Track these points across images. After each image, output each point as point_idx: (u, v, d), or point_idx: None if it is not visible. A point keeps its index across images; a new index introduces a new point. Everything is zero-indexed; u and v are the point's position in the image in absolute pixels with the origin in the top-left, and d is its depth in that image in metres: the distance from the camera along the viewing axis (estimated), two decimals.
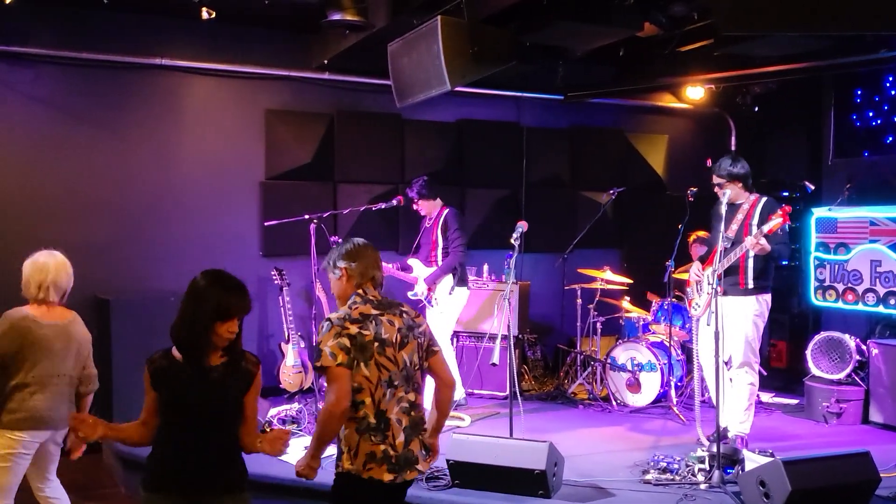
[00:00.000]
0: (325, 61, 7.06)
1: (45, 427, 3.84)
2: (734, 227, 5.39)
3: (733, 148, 8.97)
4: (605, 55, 6.78)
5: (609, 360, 6.92)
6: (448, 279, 6.29)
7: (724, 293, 5.20)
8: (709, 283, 5.40)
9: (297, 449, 4.28)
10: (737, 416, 5.42)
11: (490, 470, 4.55)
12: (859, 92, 7.89)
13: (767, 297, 5.42)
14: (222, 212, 7.06)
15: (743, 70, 7.18)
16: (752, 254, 5.24)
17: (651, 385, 6.72)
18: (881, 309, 6.76)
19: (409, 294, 6.39)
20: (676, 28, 5.86)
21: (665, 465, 5.03)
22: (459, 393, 6.51)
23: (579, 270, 7.36)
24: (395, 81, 5.89)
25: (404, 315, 3.26)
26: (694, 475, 4.83)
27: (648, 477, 4.89)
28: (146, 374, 2.91)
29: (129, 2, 6.35)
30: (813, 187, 7.91)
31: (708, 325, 4.94)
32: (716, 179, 5.43)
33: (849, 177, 7.69)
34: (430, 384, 3.49)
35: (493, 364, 5.45)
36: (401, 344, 3.18)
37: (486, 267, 7.41)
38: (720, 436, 5.45)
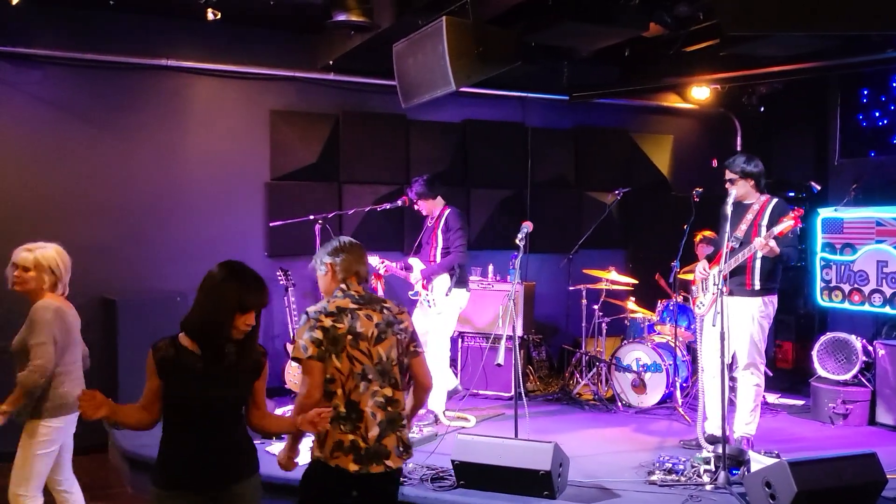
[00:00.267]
0: (331, 62, 7.07)
1: (75, 412, 3.96)
2: (743, 226, 5.36)
3: (739, 148, 8.95)
4: (610, 55, 6.78)
5: (614, 361, 6.92)
6: (445, 279, 6.20)
7: (731, 293, 5.18)
8: (714, 283, 5.39)
9: (303, 449, 4.29)
10: (743, 417, 5.41)
11: (495, 470, 4.55)
12: (865, 92, 7.87)
13: (774, 298, 5.40)
14: (228, 212, 7.08)
15: (748, 70, 7.16)
16: (759, 255, 5.22)
17: (656, 386, 6.72)
18: (888, 310, 6.73)
19: (410, 294, 6.35)
20: (682, 28, 5.85)
21: (670, 465, 5.03)
22: (452, 382, 6.50)
23: (584, 271, 7.36)
24: (400, 82, 5.89)
25: (385, 311, 3.32)
26: (699, 476, 4.82)
27: (654, 478, 4.89)
28: (150, 362, 2.85)
29: (134, 3, 6.37)
30: (819, 187, 7.89)
31: (714, 325, 4.93)
32: (728, 175, 5.39)
33: (855, 177, 7.67)
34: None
35: (499, 364, 5.44)
36: (377, 339, 3.24)
37: (491, 267, 7.40)
38: (715, 440, 5.46)
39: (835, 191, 7.98)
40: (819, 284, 7.30)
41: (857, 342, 6.44)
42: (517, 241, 5.43)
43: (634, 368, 6.79)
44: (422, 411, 6.21)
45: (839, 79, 8.01)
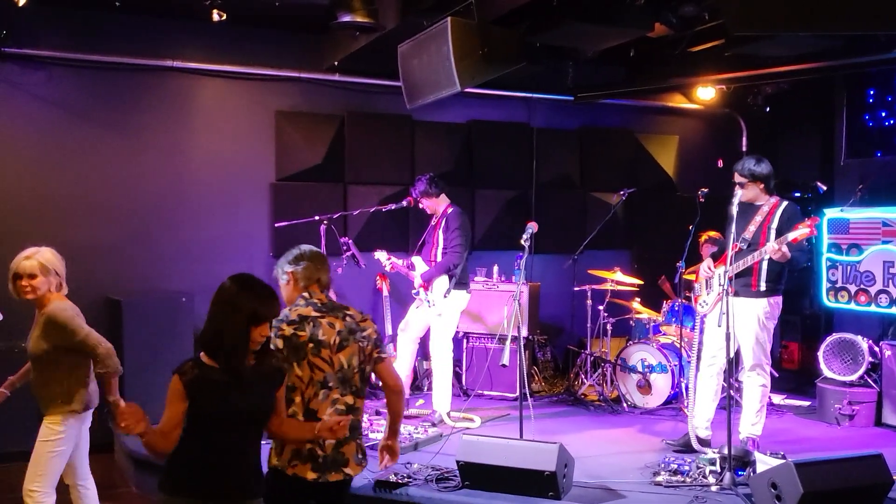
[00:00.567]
0: (336, 63, 7.08)
1: (90, 408, 4.13)
2: (752, 228, 5.33)
3: (744, 149, 8.94)
4: (615, 56, 6.77)
5: (619, 362, 6.91)
6: (444, 281, 6.19)
7: (736, 294, 5.17)
8: (719, 283, 5.37)
9: None
10: (748, 417, 5.39)
11: (500, 471, 4.55)
12: (872, 92, 7.85)
13: (779, 299, 5.38)
14: (233, 213, 7.08)
15: (754, 70, 7.13)
16: (767, 257, 5.20)
17: (662, 386, 6.70)
18: (894, 310, 6.71)
19: (413, 292, 6.38)
20: (687, 28, 5.83)
21: (676, 466, 5.02)
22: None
23: (589, 271, 7.35)
24: (405, 83, 5.89)
25: (347, 319, 3.33)
26: (705, 477, 4.81)
27: (659, 479, 4.88)
28: (178, 386, 2.81)
29: (140, 4, 6.39)
30: (825, 188, 7.87)
31: (719, 326, 4.91)
32: (737, 178, 5.34)
33: (861, 177, 7.64)
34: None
35: (504, 365, 5.44)
36: (339, 346, 3.25)
37: (496, 268, 7.40)
38: (701, 441, 5.45)
39: (841, 191, 7.96)
40: (825, 285, 7.28)
41: (864, 343, 6.42)
42: (522, 242, 5.43)
43: (640, 369, 6.78)
44: (426, 411, 6.27)
45: (845, 79, 7.99)
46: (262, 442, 3.03)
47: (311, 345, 3.19)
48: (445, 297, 6.14)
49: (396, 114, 7.49)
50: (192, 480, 2.87)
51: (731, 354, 4.99)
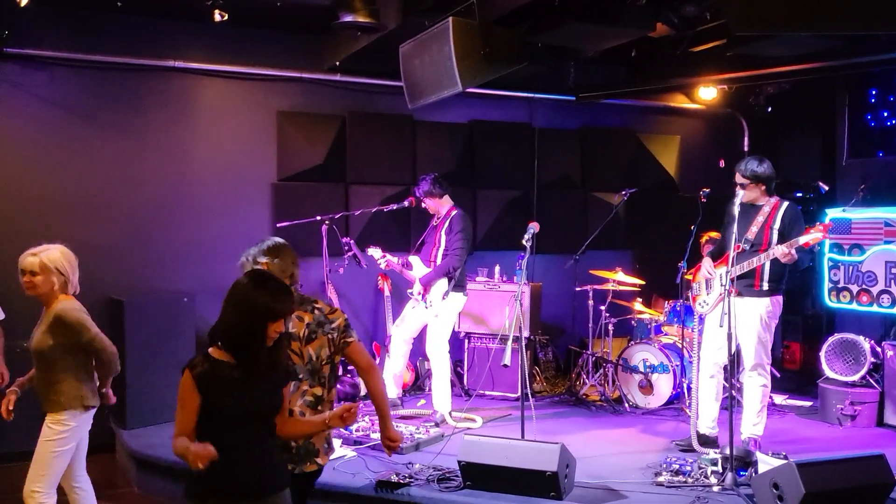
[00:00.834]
0: (337, 63, 7.08)
1: (92, 409, 4.11)
2: (754, 229, 5.33)
3: (746, 149, 8.93)
4: (616, 56, 6.77)
5: (621, 362, 6.90)
6: (443, 283, 6.20)
7: (738, 294, 5.16)
8: (721, 284, 5.37)
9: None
10: (750, 418, 5.39)
11: (502, 471, 4.55)
12: (874, 92, 7.84)
13: (780, 298, 5.39)
14: (234, 213, 7.08)
15: (756, 70, 7.13)
16: (773, 258, 5.20)
17: (663, 387, 6.70)
18: None
19: (409, 291, 6.39)
20: (688, 28, 5.83)
21: (677, 467, 5.02)
22: (393, 392, 6.49)
23: (591, 272, 7.35)
24: (406, 83, 5.89)
25: (316, 311, 3.39)
26: (707, 477, 4.81)
27: (661, 479, 4.88)
28: (188, 382, 2.80)
29: (141, 4, 6.39)
30: (827, 188, 7.86)
31: (721, 326, 4.91)
32: (739, 179, 5.34)
33: (863, 177, 7.63)
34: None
35: (505, 365, 5.44)
36: (307, 339, 3.31)
37: (497, 268, 7.40)
38: (706, 440, 5.45)
39: (843, 191, 7.95)
40: (827, 285, 7.27)
41: (866, 343, 6.41)
42: (524, 242, 5.44)
43: (641, 369, 6.78)
44: (427, 411, 6.26)
45: (847, 79, 7.98)
46: None
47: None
48: (444, 298, 6.14)
49: (398, 114, 7.50)
50: (220, 483, 2.84)
51: (732, 354, 4.98)
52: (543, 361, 7.85)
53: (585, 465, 4.98)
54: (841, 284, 7.13)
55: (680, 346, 6.80)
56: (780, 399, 7.02)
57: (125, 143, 6.69)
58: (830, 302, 7.28)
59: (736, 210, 5.17)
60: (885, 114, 7.75)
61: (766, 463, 4.64)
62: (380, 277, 6.99)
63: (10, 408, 4.10)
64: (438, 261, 6.29)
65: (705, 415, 5.51)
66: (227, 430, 2.83)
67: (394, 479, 4.76)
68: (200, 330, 6.15)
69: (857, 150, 8.04)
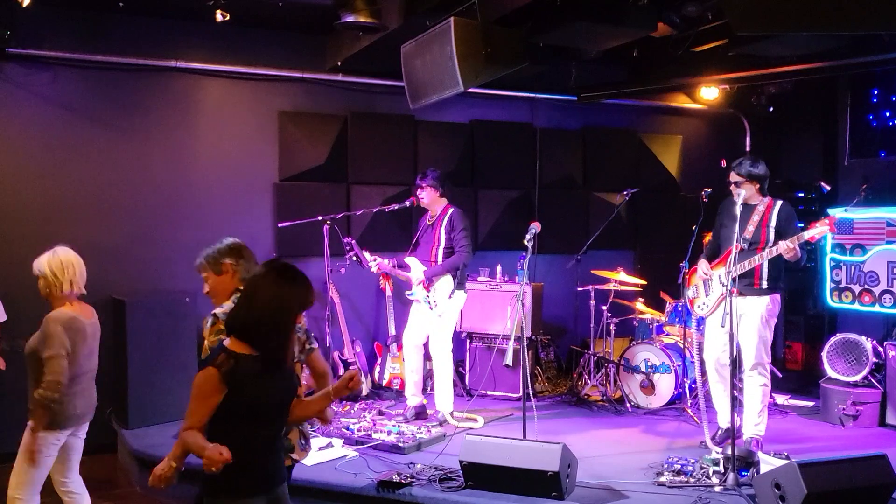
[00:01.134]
0: (339, 63, 7.08)
1: (80, 423, 4.05)
2: (751, 228, 5.35)
3: (748, 149, 8.92)
4: (618, 56, 6.76)
5: (623, 362, 6.90)
6: (448, 281, 6.15)
7: (739, 294, 5.16)
8: (721, 284, 5.37)
9: (313, 450, 4.29)
10: (751, 417, 5.39)
11: (503, 471, 4.55)
12: (876, 92, 7.83)
13: (779, 296, 5.41)
14: (236, 213, 7.09)
15: (758, 70, 7.12)
16: (776, 255, 5.21)
17: (665, 387, 6.70)
18: None
19: (407, 294, 6.32)
20: (690, 28, 5.83)
21: (679, 467, 5.02)
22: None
23: (593, 272, 7.35)
24: (408, 83, 5.90)
25: None
26: (708, 477, 4.81)
27: (662, 479, 4.88)
28: (214, 379, 2.71)
29: (143, 5, 6.40)
30: (829, 188, 7.85)
31: (722, 326, 4.91)
32: (734, 178, 5.39)
33: (865, 177, 7.62)
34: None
35: (507, 365, 5.45)
36: None
37: (499, 268, 7.39)
38: (725, 436, 5.45)
39: (845, 191, 7.94)
40: (829, 285, 7.26)
41: (868, 343, 6.41)
42: (525, 242, 5.43)
43: (643, 369, 6.78)
44: (429, 412, 6.26)
45: (849, 79, 7.97)
46: None
47: None
48: (450, 297, 6.12)
49: (399, 114, 7.50)
50: (252, 477, 2.83)
51: (734, 355, 4.98)
52: (545, 361, 7.85)
53: (587, 465, 4.99)
54: (843, 284, 7.12)
55: (682, 346, 6.80)
56: (781, 399, 7.02)
57: (127, 144, 6.70)
58: (832, 302, 7.27)
59: (738, 210, 5.17)
60: (887, 114, 7.74)
61: (768, 463, 4.64)
62: (381, 277, 6.99)
63: None
64: (440, 259, 6.24)
65: (723, 410, 5.52)
66: (246, 424, 2.79)
67: (395, 478, 4.76)
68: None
69: (858, 150, 8.03)
